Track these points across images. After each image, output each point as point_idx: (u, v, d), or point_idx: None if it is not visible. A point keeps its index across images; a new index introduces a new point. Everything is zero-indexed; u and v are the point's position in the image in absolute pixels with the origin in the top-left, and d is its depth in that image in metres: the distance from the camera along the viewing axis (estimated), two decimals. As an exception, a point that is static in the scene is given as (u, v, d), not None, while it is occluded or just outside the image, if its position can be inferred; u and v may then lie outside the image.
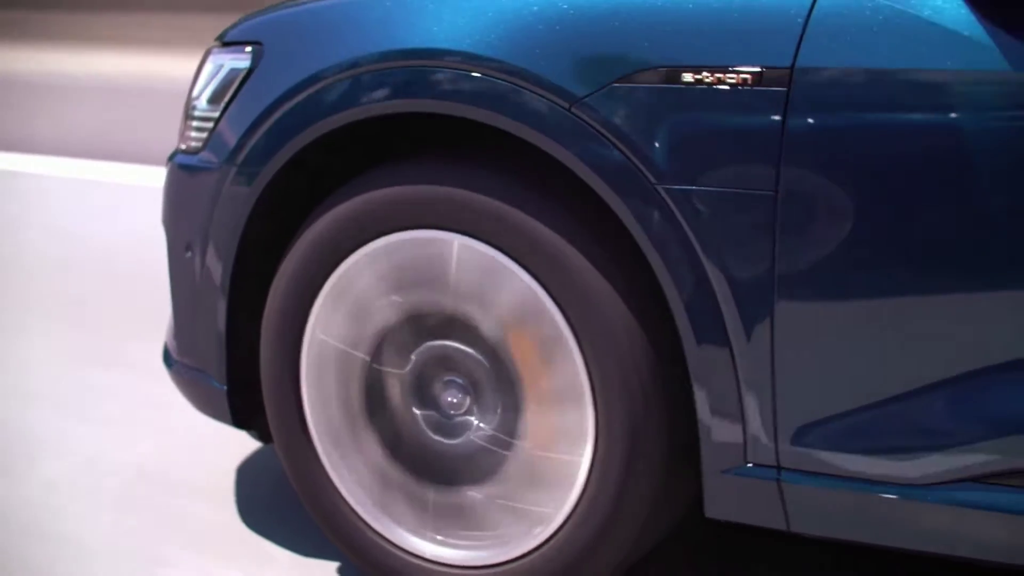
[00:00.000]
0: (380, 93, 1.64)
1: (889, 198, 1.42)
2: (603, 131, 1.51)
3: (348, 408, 1.76)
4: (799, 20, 1.43)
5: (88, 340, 2.99)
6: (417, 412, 1.72)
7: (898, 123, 1.40)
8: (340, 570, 1.86)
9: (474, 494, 1.68)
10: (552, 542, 1.63)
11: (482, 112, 1.58)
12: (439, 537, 1.72)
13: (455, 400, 1.69)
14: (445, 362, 1.69)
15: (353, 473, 1.76)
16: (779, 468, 1.52)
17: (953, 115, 1.38)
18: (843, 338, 1.46)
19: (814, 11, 1.43)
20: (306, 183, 1.82)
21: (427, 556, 1.72)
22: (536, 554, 1.64)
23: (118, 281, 3.57)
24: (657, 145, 1.50)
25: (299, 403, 1.78)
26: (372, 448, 1.75)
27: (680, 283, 1.50)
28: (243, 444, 2.29)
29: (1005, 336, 1.40)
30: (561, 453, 1.61)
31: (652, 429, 1.56)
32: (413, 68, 1.62)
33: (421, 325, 1.69)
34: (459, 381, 1.69)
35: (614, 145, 1.51)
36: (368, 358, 1.73)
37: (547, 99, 1.53)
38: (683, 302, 1.51)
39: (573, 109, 1.52)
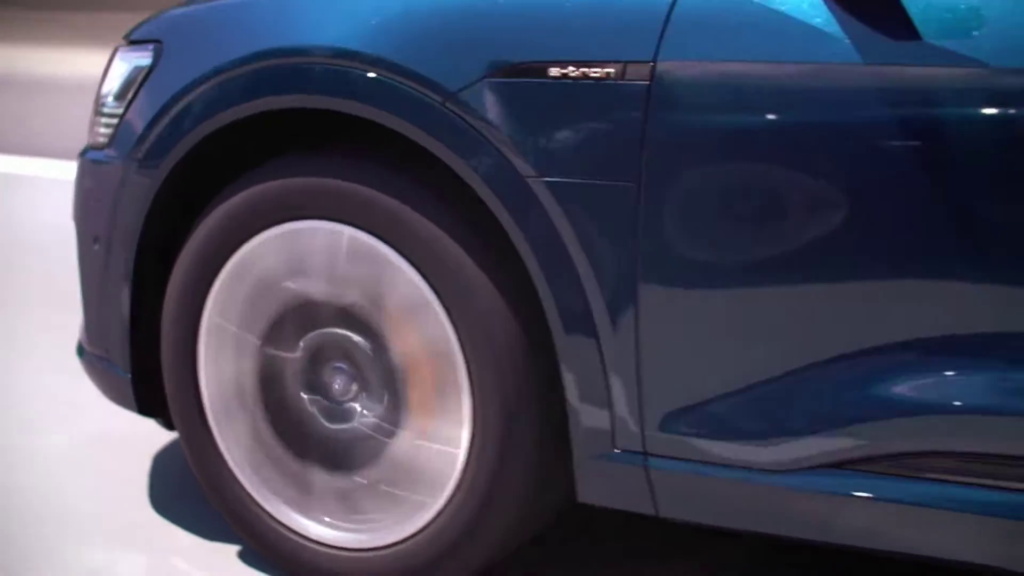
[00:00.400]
0: (265, 89, 1.68)
1: (748, 189, 1.46)
2: (475, 125, 1.55)
3: (241, 392, 1.80)
4: (661, 15, 1.47)
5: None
6: (306, 397, 1.76)
7: (757, 115, 1.43)
8: (240, 554, 1.90)
9: (359, 479, 1.72)
10: (431, 528, 1.67)
11: (364, 108, 1.62)
12: (327, 519, 1.76)
13: (342, 387, 1.73)
14: (333, 349, 1.73)
15: (248, 457, 1.81)
16: (646, 454, 1.56)
17: (810, 107, 1.42)
18: (705, 326, 1.50)
19: (676, 7, 1.47)
20: (214, 175, 1.87)
21: (314, 537, 1.76)
22: (415, 539, 1.68)
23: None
24: (526, 138, 1.53)
25: (196, 388, 1.83)
26: (265, 432, 1.79)
27: (548, 273, 1.54)
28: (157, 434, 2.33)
29: (862, 325, 1.44)
30: (439, 443, 1.65)
31: (526, 418, 1.60)
32: (295, 65, 1.66)
33: (311, 312, 1.73)
34: (346, 369, 1.73)
35: (486, 139, 1.54)
36: (260, 342, 1.78)
37: (422, 94, 1.57)
38: (551, 291, 1.54)
39: (447, 104, 1.56)
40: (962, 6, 1.37)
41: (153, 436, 2.29)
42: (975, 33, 1.36)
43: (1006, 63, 1.34)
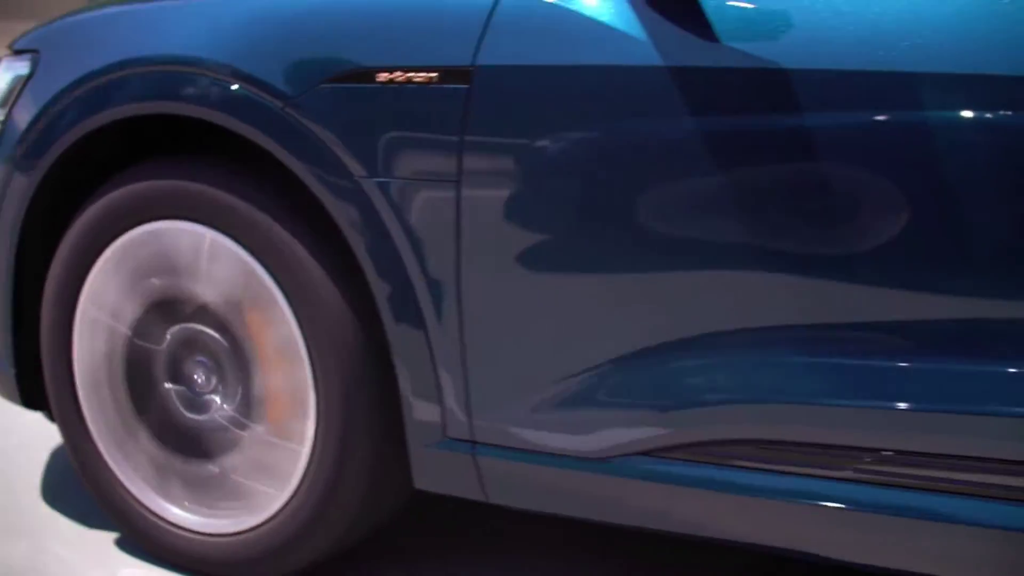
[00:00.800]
0: (125, 97, 1.76)
1: (561, 188, 1.52)
2: (312, 129, 1.62)
3: (112, 380, 1.88)
4: (480, 22, 1.54)
5: None
6: (170, 387, 1.84)
7: (570, 117, 1.50)
8: (118, 541, 1.98)
9: (214, 468, 1.80)
10: (279, 517, 1.74)
11: (212, 113, 1.70)
12: (186, 504, 1.84)
13: (202, 380, 1.81)
14: (195, 344, 1.81)
15: (116, 444, 1.89)
16: (474, 443, 1.63)
17: (621, 109, 1.48)
18: (525, 320, 1.57)
19: (494, 13, 1.54)
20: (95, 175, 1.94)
21: (174, 521, 1.84)
22: (265, 527, 1.75)
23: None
24: (357, 141, 1.61)
25: (71, 376, 1.91)
26: (132, 420, 1.87)
27: (380, 270, 1.61)
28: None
29: (670, 318, 1.50)
30: (286, 437, 1.72)
31: (366, 411, 1.67)
32: (149, 73, 1.74)
33: (175, 308, 1.81)
34: (206, 363, 1.81)
35: (321, 142, 1.62)
36: (130, 333, 1.85)
37: (265, 100, 1.65)
38: (383, 287, 1.61)
39: (286, 109, 1.63)
40: (760, 8, 1.44)
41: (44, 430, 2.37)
42: (772, 35, 1.43)
43: (806, 65, 1.41)
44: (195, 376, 1.81)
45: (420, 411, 1.63)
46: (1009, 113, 1.33)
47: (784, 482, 1.49)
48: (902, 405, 1.41)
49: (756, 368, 1.48)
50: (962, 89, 1.35)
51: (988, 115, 1.34)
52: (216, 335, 1.77)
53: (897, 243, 1.39)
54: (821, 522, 1.49)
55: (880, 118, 1.37)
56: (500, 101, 1.53)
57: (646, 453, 1.55)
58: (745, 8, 1.44)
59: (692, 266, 1.48)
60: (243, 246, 1.71)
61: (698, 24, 1.45)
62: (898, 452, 1.44)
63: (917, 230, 1.38)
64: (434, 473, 1.66)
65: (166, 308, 1.81)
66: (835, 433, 1.46)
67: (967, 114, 1.35)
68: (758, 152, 1.43)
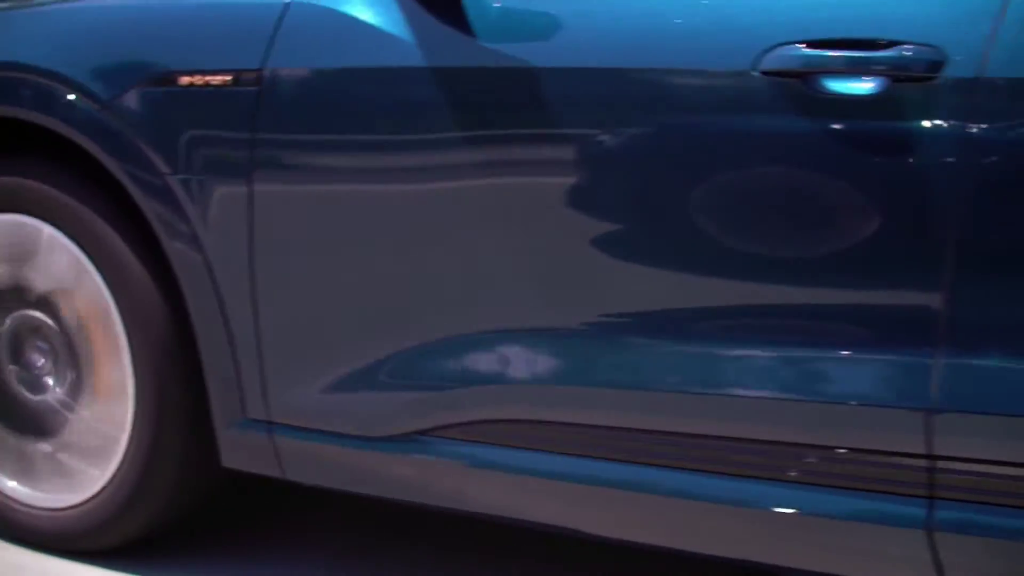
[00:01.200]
0: None
1: (344, 180, 1.64)
2: (124, 129, 1.74)
3: None
4: (270, 28, 1.66)
5: None
6: (12, 368, 1.94)
7: (349, 115, 1.61)
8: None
9: (46, 446, 1.91)
10: (103, 494, 1.85)
11: (41, 116, 1.81)
12: (23, 478, 1.94)
13: (38, 362, 1.92)
14: (33, 329, 1.91)
15: None
16: (271, 423, 1.73)
17: (394, 107, 1.59)
18: (312, 306, 1.68)
19: (283, 20, 1.66)
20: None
21: (10, 495, 1.94)
22: (91, 503, 1.86)
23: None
24: (164, 140, 1.73)
25: None
26: None
27: (184, 260, 1.73)
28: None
29: (447, 306, 1.60)
30: (108, 420, 1.83)
31: (180, 395, 1.78)
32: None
33: (16, 293, 1.91)
34: (43, 347, 1.92)
35: (133, 141, 1.74)
36: None
37: (84, 103, 1.77)
38: (187, 276, 1.73)
39: (102, 111, 1.75)
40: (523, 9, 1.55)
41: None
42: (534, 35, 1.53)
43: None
44: (33, 358, 1.92)
45: (223, 394, 1.74)
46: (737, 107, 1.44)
47: (548, 461, 1.59)
48: (650, 387, 1.51)
49: (517, 354, 1.58)
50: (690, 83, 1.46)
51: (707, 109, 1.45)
52: (50, 321, 1.88)
53: (630, 234, 1.50)
54: (583, 500, 1.59)
55: (634, 114, 1.49)
56: (286, 102, 1.65)
57: (423, 433, 1.65)
58: (508, 8, 1.55)
59: (455, 260, 1.59)
60: (73, 240, 1.82)
61: (461, 24, 1.56)
62: (644, 431, 1.54)
63: (650, 220, 1.49)
64: (238, 453, 1.77)
65: (6, 294, 1.92)
66: (593, 414, 1.56)
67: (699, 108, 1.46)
68: (518, 150, 1.54)
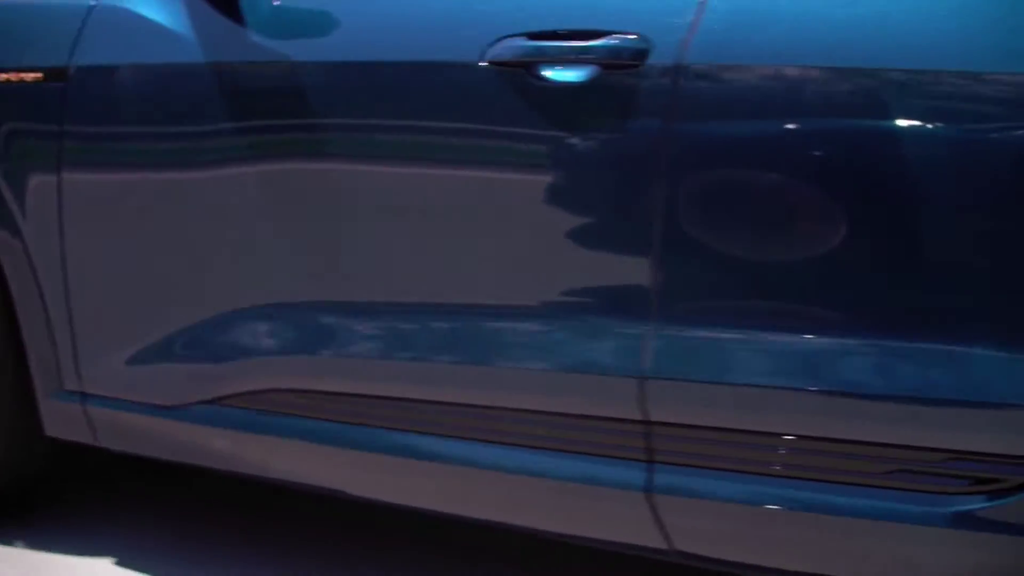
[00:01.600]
0: None
1: (136, 168, 1.76)
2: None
3: None
4: (76, 27, 1.80)
5: None
6: None
7: (141, 110, 1.75)
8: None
9: None
10: None
11: None
12: None
13: None
14: None
15: None
16: (84, 393, 1.87)
17: (177, 102, 1.72)
18: (114, 283, 1.81)
19: (87, 19, 1.78)
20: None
21: None
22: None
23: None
24: None
25: None
26: None
27: (5, 242, 1.86)
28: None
29: (229, 283, 1.73)
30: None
31: (9, 368, 1.90)
32: None
33: None
34: None
35: None
36: None
37: None
38: (9, 257, 1.86)
39: None
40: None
41: None
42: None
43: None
44: None
45: (42, 366, 1.88)
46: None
47: (325, 428, 1.70)
48: (424, 359, 1.61)
49: (285, 327, 1.69)
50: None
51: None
52: None
53: (377, 216, 1.62)
54: (356, 465, 1.70)
55: (380, 105, 1.60)
56: (88, 97, 1.79)
57: (212, 402, 1.77)
58: (280, 7, 1.67)
59: (231, 240, 1.71)
60: None
61: (237, 19, 1.69)
62: (413, 400, 1.64)
63: (396, 206, 1.60)
64: (57, 422, 1.90)
65: None
66: (366, 385, 1.67)
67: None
68: (282, 138, 1.67)
